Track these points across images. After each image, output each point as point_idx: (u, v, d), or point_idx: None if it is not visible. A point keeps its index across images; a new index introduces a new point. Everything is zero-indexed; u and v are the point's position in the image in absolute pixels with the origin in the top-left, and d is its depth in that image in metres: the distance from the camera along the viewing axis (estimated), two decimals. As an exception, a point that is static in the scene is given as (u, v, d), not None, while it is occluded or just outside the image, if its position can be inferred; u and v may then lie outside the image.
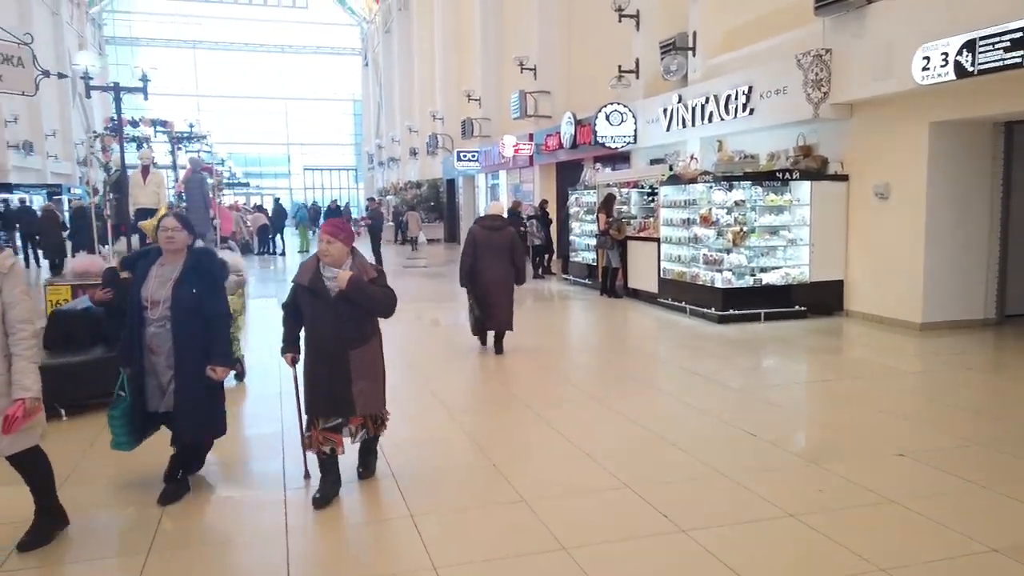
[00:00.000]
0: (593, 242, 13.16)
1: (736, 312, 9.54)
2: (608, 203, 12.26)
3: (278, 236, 23.83)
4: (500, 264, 7.77)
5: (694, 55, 12.41)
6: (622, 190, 12.95)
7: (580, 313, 11.44)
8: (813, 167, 9.87)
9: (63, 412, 5.65)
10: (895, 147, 8.98)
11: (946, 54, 7.52)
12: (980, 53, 7.15)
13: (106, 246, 11.63)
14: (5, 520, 3.83)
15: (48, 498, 3.59)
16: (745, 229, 9.67)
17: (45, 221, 16.70)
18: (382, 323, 4.15)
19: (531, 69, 18.88)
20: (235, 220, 20.77)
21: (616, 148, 14.32)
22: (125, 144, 12.36)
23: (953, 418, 5.50)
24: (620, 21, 13.74)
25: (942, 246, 8.73)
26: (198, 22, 48.58)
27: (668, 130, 12.94)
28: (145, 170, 10.93)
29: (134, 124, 11.36)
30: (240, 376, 6.93)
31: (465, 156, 24.32)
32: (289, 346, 4.08)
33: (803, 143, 10.34)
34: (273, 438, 5.16)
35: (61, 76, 6.04)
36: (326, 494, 3.94)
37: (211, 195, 13.25)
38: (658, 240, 11.08)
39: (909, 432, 5.17)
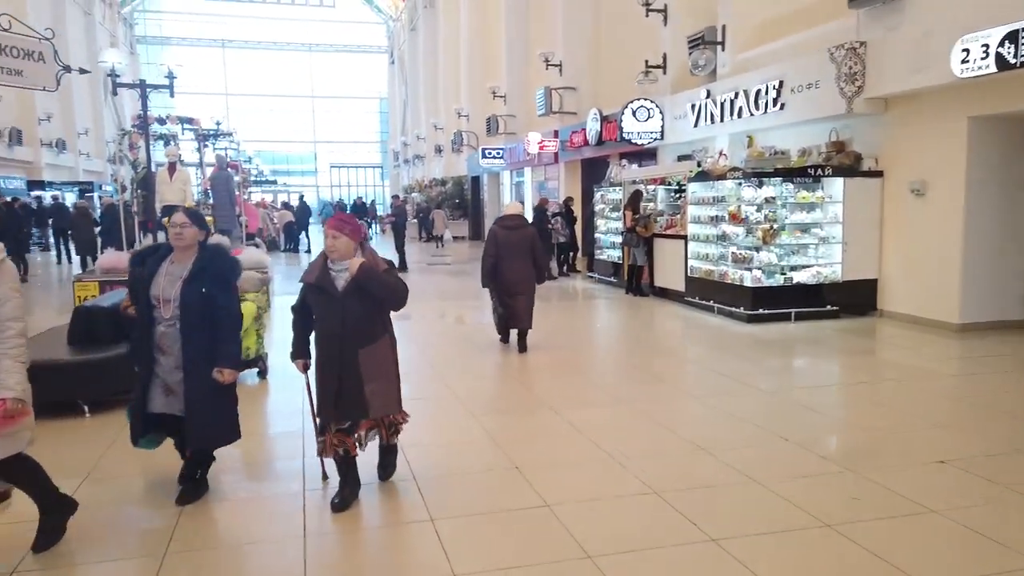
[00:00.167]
0: (619, 239, 12.99)
1: (766, 311, 9.33)
2: (635, 200, 12.08)
3: (303, 234, 23.98)
4: (521, 263, 7.80)
5: (723, 49, 12.17)
6: (648, 187, 12.76)
7: (605, 312, 11.29)
8: (846, 163, 9.61)
9: (86, 409, 5.65)
10: (932, 142, 8.71)
11: (987, 46, 7.25)
12: (1023, 45, 6.89)
13: (135, 244, 11.74)
14: (25, 518, 3.81)
15: (47, 498, 3.49)
16: (775, 226, 9.45)
17: (78, 217, 16.95)
18: (399, 326, 4.06)
19: (556, 65, 18.73)
20: (262, 217, 20.92)
21: (643, 144, 14.12)
22: (153, 141, 12.48)
23: (995, 423, 5.28)
24: (647, 16, 13.53)
25: (981, 244, 8.45)
26: (227, 21, 49.07)
27: (696, 126, 12.72)
28: (172, 167, 10.99)
29: (161, 121, 11.42)
30: (263, 374, 6.90)
31: (490, 153, 24.23)
32: (299, 352, 3.96)
33: (836, 138, 10.08)
34: (293, 437, 5.11)
35: (82, 71, 6.04)
36: (345, 498, 3.85)
37: (237, 192, 13.30)
38: (685, 238, 10.89)
39: (949, 438, 4.97)
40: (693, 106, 12.69)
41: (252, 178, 27.57)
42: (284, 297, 12.14)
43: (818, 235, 9.70)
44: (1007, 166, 8.46)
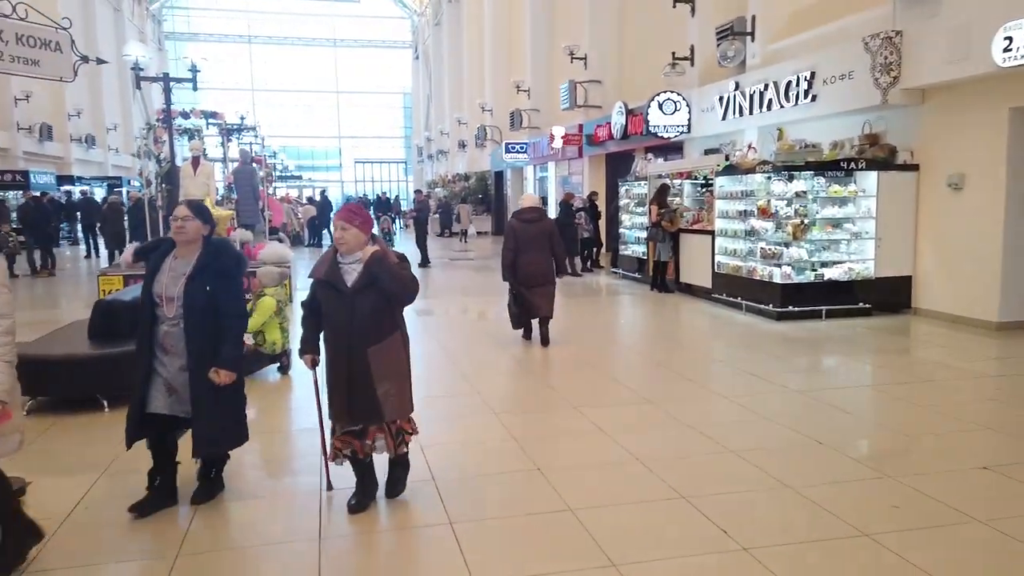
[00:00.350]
0: (643, 235, 12.78)
1: (795, 309, 9.08)
2: (662, 193, 11.84)
3: (325, 229, 23.99)
4: (540, 255, 7.82)
5: (752, 40, 11.90)
6: (675, 181, 12.53)
7: (629, 308, 11.10)
8: (880, 156, 9.32)
9: (106, 404, 5.62)
10: (971, 135, 8.40)
11: (1032, 33, 6.96)
12: (1072, 31, 6.59)
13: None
14: (38, 515, 3.76)
15: (6, 519, 3.17)
16: (806, 221, 9.20)
17: (110, 212, 17.14)
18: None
19: (581, 58, 18.51)
20: (286, 212, 20.97)
21: (669, 138, 13.88)
22: (178, 136, 12.49)
23: (1041, 428, 5.03)
24: (675, 6, 13.27)
25: (1021, 240, 8.14)
26: (253, 17, 49.42)
27: (724, 119, 12.47)
28: (195, 161, 10.98)
29: (185, 116, 11.43)
30: (284, 369, 6.85)
31: (513, 148, 24.07)
32: (307, 346, 3.77)
33: (869, 131, 9.79)
34: (313, 434, 4.97)
35: (100, 61, 6.00)
36: (361, 500, 3.74)
37: (261, 187, 13.29)
38: (712, 233, 10.66)
39: (991, 442, 4.75)
40: (721, 98, 12.43)
41: (277, 173, 27.67)
42: (306, 292, 12.13)
43: (850, 230, 9.43)
44: (1051, 159, 8.14)
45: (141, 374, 3.67)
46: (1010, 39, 7.21)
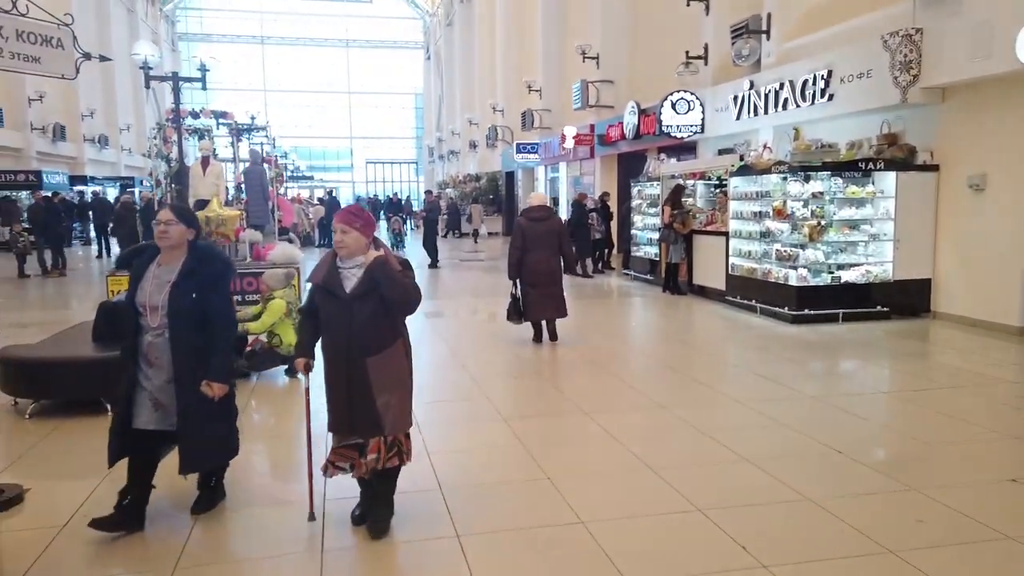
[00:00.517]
0: (656, 236, 12.63)
1: (811, 312, 8.90)
2: (676, 194, 11.67)
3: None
4: (548, 253, 7.80)
5: (768, 39, 11.73)
6: (687, 181, 12.37)
7: (641, 310, 10.95)
8: (899, 156, 9.12)
9: (109, 407, 5.52)
10: (993, 134, 8.20)
11: (1059, 29, 6.77)
12: (1100, 27, 6.40)
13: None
14: (37, 524, 3.67)
15: None
16: (823, 223, 9.02)
17: (122, 211, 17.17)
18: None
19: (593, 58, 18.37)
20: (297, 212, 20.93)
21: (682, 138, 13.73)
22: (188, 135, 12.46)
23: (1070, 438, 4.85)
24: (688, 5, 13.12)
25: (1046, 243, 7.94)
26: (265, 18, 49.58)
27: (738, 118, 12.30)
28: (204, 161, 10.92)
29: (195, 115, 11.38)
30: (292, 372, 6.75)
31: (525, 148, 23.96)
32: (301, 350, 3.54)
33: (888, 131, 9.60)
34: (320, 441, 4.90)
35: (103, 59, 5.92)
36: (365, 511, 3.59)
37: (271, 187, 13.23)
38: (726, 234, 10.50)
39: (1019, 453, 4.57)
40: (735, 98, 12.27)
41: (288, 173, 27.66)
42: (316, 293, 12.04)
43: (868, 232, 9.24)
44: (1076, 159, 7.93)
45: (125, 388, 3.49)
46: (1035, 36, 7.02)
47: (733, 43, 12.16)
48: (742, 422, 5.28)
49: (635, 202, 14.20)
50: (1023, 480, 4.05)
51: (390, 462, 3.47)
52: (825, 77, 9.99)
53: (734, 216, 10.31)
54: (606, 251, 15.80)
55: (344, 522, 3.62)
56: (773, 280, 9.37)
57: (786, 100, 10.90)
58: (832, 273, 9.10)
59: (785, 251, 9.18)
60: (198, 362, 3.44)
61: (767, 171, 9.52)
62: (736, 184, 10.29)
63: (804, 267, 9.01)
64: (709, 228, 11.36)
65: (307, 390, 3.66)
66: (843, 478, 4.14)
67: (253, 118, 13.47)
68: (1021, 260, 7.93)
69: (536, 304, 7.88)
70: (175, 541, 3.46)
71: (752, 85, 11.80)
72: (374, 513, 3.51)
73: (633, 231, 14.19)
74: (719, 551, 3.30)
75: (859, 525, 3.51)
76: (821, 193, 9.02)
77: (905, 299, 9.11)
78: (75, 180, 27.67)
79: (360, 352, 3.35)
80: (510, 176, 28.80)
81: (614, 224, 16.16)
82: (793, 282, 9.01)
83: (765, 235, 9.58)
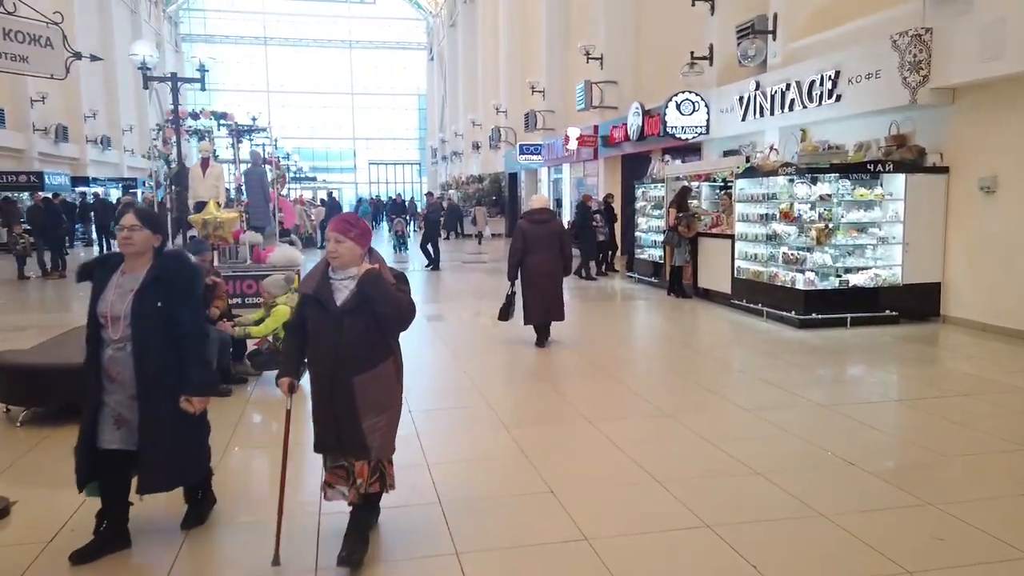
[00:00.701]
0: (660, 238, 12.49)
1: (819, 316, 8.76)
2: (682, 197, 11.51)
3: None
4: (549, 256, 7.77)
5: (774, 39, 11.58)
6: (692, 183, 12.22)
7: (646, 314, 10.81)
8: (908, 158, 8.98)
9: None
10: (1005, 136, 8.05)
11: (1074, 29, 6.62)
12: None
13: (168, 241, 11.59)
14: (22, 540, 3.55)
15: None
16: (830, 226, 8.87)
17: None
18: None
19: (597, 58, 18.24)
20: (299, 214, 20.83)
21: (687, 139, 13.59)
22: (188, 137, 12.34)
23: (1090, 449, 4.70)
24: (693, 5, 12.99)
25: (1059, 246, 7.79)
26: (269, 19, 49.56)
27: (744, 119, 12.16)
28: (204, 163, 10.82)
29: (195, 116, 11.27)
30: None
31: (528, 149, 23.83)
32: (285, 369, 3.30)
33: (896, 132, 9.46)
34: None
35: (94, 58, 5.80)
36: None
37: (271, 188, 13.11)
38: (732, 237, 10.35)
39: (1039, 466, 4.43)
40: (741, 99, 12.13)
41: (290, 175, 27.57)
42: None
43: (876, 235, 9.09)
44: (1090, 161, 7.78)
45: (89, 406, 3.25)
46: (1049, 35, 6.87)
47: (739, 43, 12.02)
48: (750, 432, 5.14)
49: (639, 203, 14.06)
50: (1044, 494, 3.91)
51: (372, 487, 3.26)
52: (832, 78, 9.85)
53: (740, 219, 10.17)
54: (610, 253, 15.66)
55: (338, 539, 3.47)
56: (780, 283, 9.23)
57: (793, 101, 10.76)
58: (840, 277, 8.96)
59: (792, 254, 9.04)
60: (163, 376, 3.21)
61: (774, 173, 9.38)
62: (742, 186, 10.15)
63: (811, 270, 8.86)
64: (714, 230, 11.22)
65: (288, 412, 3.36)
66: (856, 492, 4.00)
67: (254, 119, 13.33)
68: (1034, 264, 7.79)
69: (537, 307, 7.84)
70: (164, 559, 3.33)
71: (758, 86, 11.66)
72: (347, 544, 3.23)
73: (637, 233, 14.05)
74: (730, 569, 3.17)
75: (875, 543, 3.37)
76: (829, 195, 8.88)
77: (914, 303, 8.96)
78: (77, 181, 27.60)
79: (347, 370, 3.15)
80: (513, 177, 28.68)
81: (618, 226, 16.03)
82: (800, 286, 8.87)
83: (772, 238, 9.43)
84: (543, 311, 7.88)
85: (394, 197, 38.92)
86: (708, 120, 13.32)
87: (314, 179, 43.84)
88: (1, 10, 3.93)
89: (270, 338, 6.64)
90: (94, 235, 22.74)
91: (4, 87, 23.55)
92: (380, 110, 52.47)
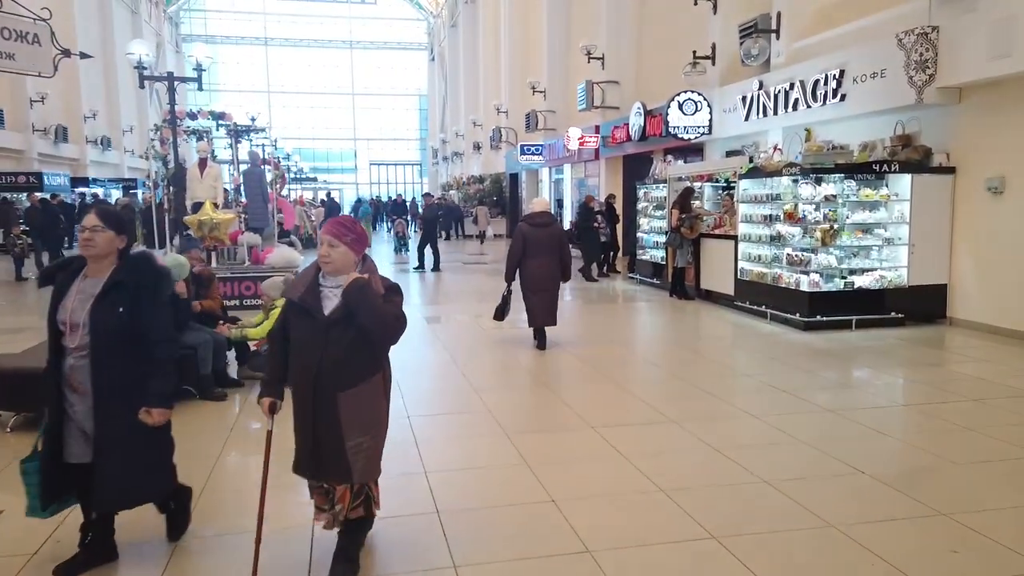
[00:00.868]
0: (662, 239, 12.37)
1: (824, 318, 8.64)
2: (685, 197, 11.39)
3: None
4: (548, 260, 7.72)
5: (778, 38, 11.47)
6: (695, 184, 12.11)
7: (648, 316, 10.69)
8: (914, 158, 8.87)
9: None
10: (1012, 135, 7.94)
11: (1084, 26, 6.51)
12: None
13: (165, 242, 11.51)
14: (16, 551, 3.44)
15: None
16: (835, 227, 8.76)
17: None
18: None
19: (599, 58, 18.13)
20: (299, 214, 20.72)
21: (689, 139, 13.48)
22: (187, 137, 12.24)
23: (1105, 456, 4.59)
24: (696, 4, 12.87)
25: (1069, 248, 7.68)
26: (269, 19, 49.49)
27: (747, 119, 12.05)
28: (202, 163, 10.72)
29: (192, 116, 11.17)
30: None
31: (529, 150, 23.73)
32: (267, 388, 3.09)
33: (902, 132, 9.34)
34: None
35: (83, 56, 5.69)
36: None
37: (271, 189, 13.02)
38: (735, 238, 10.23)
39: (1053, 473, 4.31)
40: (744, 98, 12.01)
41: (290, 175, 27.46)
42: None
43: (882, 236, 8.98)
44: (1099, 161, 7.67)
45: (53, 418, 3.06)
46: (1058, 33, 6.76)
47: (742, 43, 11.91)
48: (757, 439, 5.02)
49: (641, 204, 13.94)
50: (1060, 504, 3.80)
51: (354, 512, 3.10)
52: (837, 77, 9.74)
53: (743, 219, 10.05)
54: (611, 254, 15.55)
55: (333, 549, 3.37)
56: (784, 285, 9.12)
57: (796, 101, 10.64)
58: (845, 278, 8.84)
59: (796, 255, 8.92)
60: (123, 387, 3.00)
61: (777, 173, 9.26)
62: (745, 187, 10.04)
63: (816, 272, 8.75)
64: (717, 231, 11.11)
65: (269, 434, 3.12)
66: (867, 502, 3.88)
67: (253, 119, 13.23)
68: (1042, 266, 7.67)
69: (536, 310, 7.77)
70: (151, 573, 3.21)
71: (761, 85, 11.55)
72: (335, 570, 3.08)
73: (639, 234, 13.94)
74: (738, 586, 3.05)
75: (889, 556, 3.26)
76: (833, 196, 8.77)
77: (920, 305, 8.85)
78: (77, 182, 27.50)
79: (331, 384, 2.96)
80: (514, 178, 28.57)
81: (619, 227, 15.91)
82: (805, 287, 8.76)
83: (776, 239, 9.32)
84: (543, 315, 7.81)
85: (395, 198, 38.79)
86: (711, 120, 13.21)
87: (315, 180, 43.72)
88: (-12, 6, 3.82)
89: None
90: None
91: (4, 87, 23.45)
92: (381, 111, 52.37)
